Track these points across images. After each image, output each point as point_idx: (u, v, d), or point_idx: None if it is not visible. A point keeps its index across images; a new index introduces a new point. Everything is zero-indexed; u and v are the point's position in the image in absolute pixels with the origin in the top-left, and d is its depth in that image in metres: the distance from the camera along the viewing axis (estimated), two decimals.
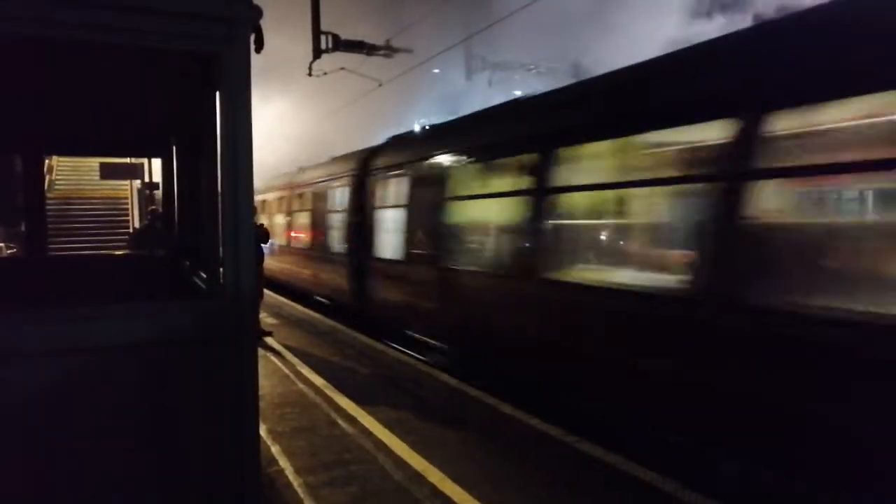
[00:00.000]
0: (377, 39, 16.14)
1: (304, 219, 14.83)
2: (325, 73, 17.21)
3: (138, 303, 2.92)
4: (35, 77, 4.00)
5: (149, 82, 4.26)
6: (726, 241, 4.19)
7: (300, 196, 15.26)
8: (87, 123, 5.67)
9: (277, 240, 16.45)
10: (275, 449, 4.98)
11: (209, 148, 3.42)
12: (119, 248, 16.16)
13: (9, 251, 14.23)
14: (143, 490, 2.77)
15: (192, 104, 4.18)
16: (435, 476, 4.45)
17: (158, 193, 17.04)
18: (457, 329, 7.70)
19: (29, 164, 6.17)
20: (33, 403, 2.54)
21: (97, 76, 4.06)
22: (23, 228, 12.57)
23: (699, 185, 4.61)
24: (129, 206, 21.17)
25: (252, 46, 2.85)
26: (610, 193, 5.91)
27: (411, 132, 11.35)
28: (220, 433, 2.81)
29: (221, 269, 3.02)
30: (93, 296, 4.61)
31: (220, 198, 3.06)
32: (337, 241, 12.37)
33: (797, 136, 4.11)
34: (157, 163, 15.61)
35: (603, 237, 6.53)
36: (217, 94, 2.98)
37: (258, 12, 2.81)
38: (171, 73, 3.93)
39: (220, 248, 3.05)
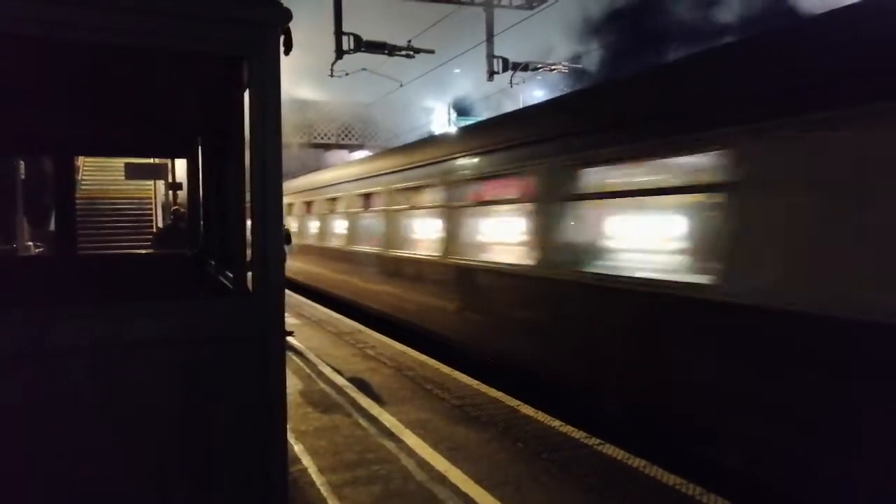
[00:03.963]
0: (399, 40, 16.20)
1: None
2: (347, 74, 17.36)
3: (170, 301, 2.96)
4: (64, 78, 4.07)
5: (177, 83, 4.32)
6: None
7: None
8: (115, 124, 5.76)
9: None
10: (298, 448, 5.01)
11: (237, 149, 3.46)
12: (143, 247, 16.38)
13: (37, 250, 14.49)
14: (170, 487, 2.81)
15: (219, 105, 4.23)
16: (457, 477, 4.46)
17: (181, 193, 17.30)
18: None
19: (59, 165, 6.29)
20: (64, 400, 2.59)
21: (126, 77, 4.12)
22: (51, 228, 12.81)
23: None
24: (153, 206, 21.47)
25: (281, 49, 2.87)
26: None
27: None
28: (248, 431, 2.84)
29: (248, 269, 3.05)
30: (123, 294, 4.69)
31: (248, 198, 3.09)
32: None
33: None
34: (180, 163, 15.87)
35: None
36: (245, 94, 3.01)
37: (288, 15, 2.83)
38: (199, 74, 3.98)
39: (248, 248, 3.08)
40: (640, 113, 5.54)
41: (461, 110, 32.59)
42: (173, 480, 2.81)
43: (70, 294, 4.70)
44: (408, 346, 9.09)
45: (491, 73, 18.18)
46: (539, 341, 6.69)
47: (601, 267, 5.98)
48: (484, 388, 6.81)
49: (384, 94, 22.22)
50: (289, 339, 9.46)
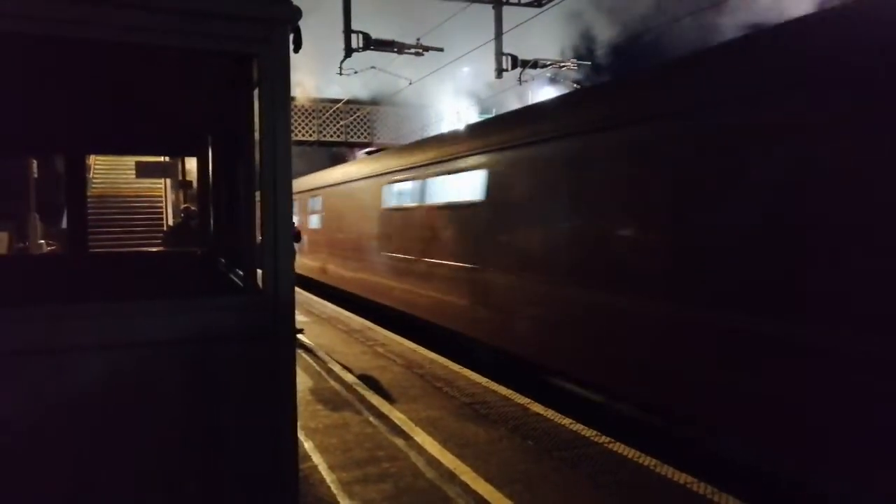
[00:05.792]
0: (407, 38, 16.24)
1: None
2: (356, 72, 17.40)
3: (180, 299, 2.97)
4: (75, 77, 4.08)
5: (186, 82, 4.33)
6: None
7: None
8: (126, 123, 5.78)
9: None
10: (308, 445, 5.03)
11: (246, 147, 3.46)
12: (154, 245, 16.46)
13: (49, 248, 14.60)
14: (180, 485, 2.82)
15: (228, 103, 4.23)
16: (467, 475, 4.45)
17: (192, 192, 17.37)
18: None
19: (71, 164, 6.33)
20: (76, 398, 2.60)
21: (135, 76, 4.13)
22: (63, 226, 12.91)
23: None
24: (163, 204, 21.59)
25: (291, 46, 2.87)
26: None
27: None
28: (258, 428, 2.85)
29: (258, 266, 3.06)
30: (133, 292, 4.71)
31: (257, 196, 3.09)
32: None
33: None
34: (191, 161, 15.94)
35: None
36: (255, 92, 3.01)
37: (297, 13, 2.83)
38: (208, 72, 3.98)
39: (258, 246, 3.08)
40: None
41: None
42: (182, 478, 2.81)
43: (80, 292, 4.73)
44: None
45: (500, 71, 18.11)
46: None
47: None
48: (493, 386, 6.80)
49: (393, 92, 22.25)
50: (298, 336, 9.49)
